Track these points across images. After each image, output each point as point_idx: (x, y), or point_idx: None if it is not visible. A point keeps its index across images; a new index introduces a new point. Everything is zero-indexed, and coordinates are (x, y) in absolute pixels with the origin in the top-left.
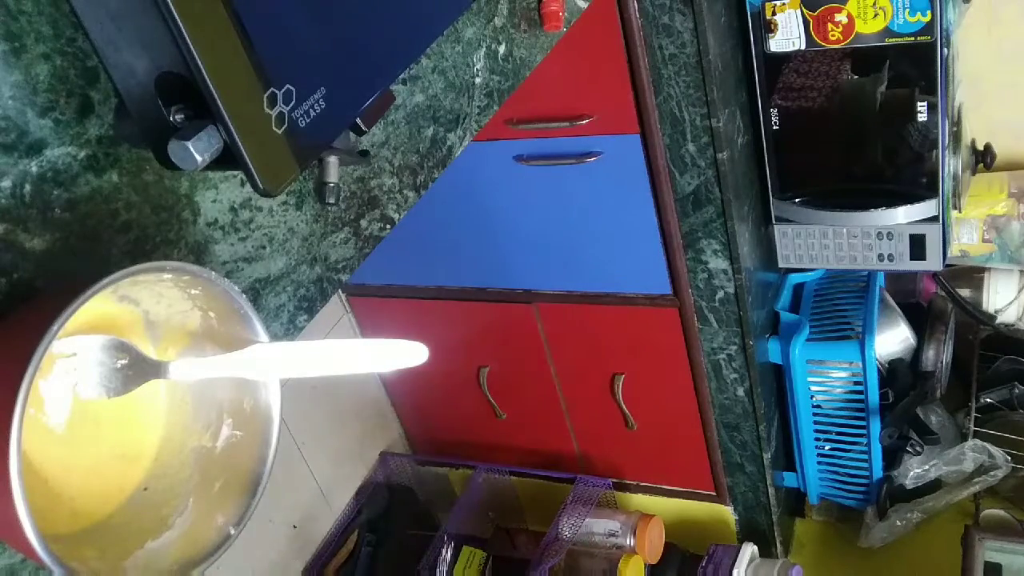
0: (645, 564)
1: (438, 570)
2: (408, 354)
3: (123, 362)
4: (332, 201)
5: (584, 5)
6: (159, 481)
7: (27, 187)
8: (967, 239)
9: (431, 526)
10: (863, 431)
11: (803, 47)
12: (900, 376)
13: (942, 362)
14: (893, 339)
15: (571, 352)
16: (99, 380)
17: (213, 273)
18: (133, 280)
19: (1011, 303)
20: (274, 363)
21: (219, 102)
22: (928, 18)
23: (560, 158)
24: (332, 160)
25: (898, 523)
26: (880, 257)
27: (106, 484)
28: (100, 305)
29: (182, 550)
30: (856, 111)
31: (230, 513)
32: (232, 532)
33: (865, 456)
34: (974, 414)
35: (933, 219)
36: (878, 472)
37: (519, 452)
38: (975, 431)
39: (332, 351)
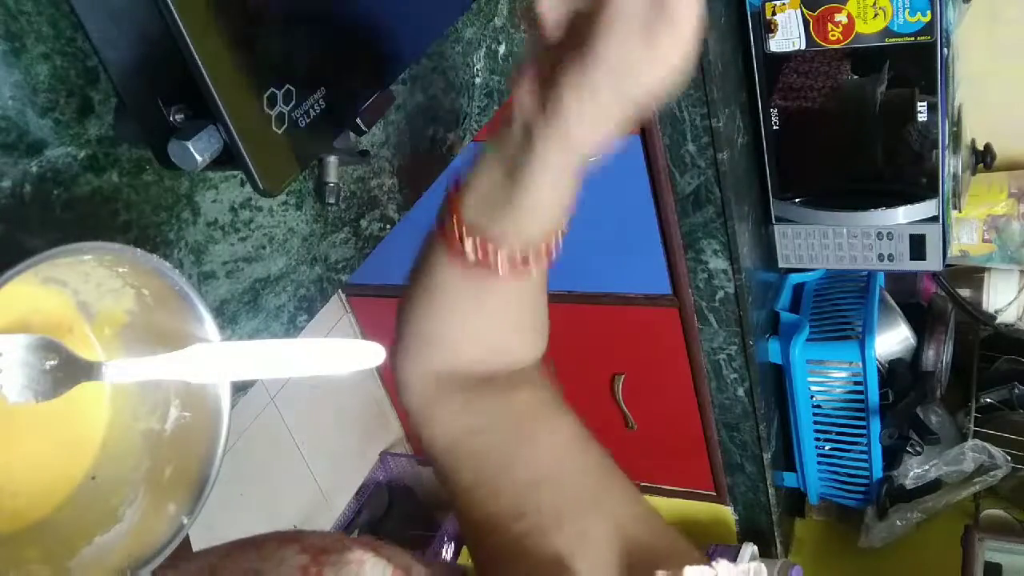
0: None
1: None
2: (364, 355)
3: (52, 363)
4: (332, 201)
5: None
6: (107, 469)
7: (27, 187)
8: (967, 239)
9: (431, 526)
10: (863, 431)
11: (803, 47)
12: (900, 376)
13: (942, 362)
14: (893, 339)
15: (571, 352)
16: (26, 383)
17: (138, 251)
18: (52, 263)
19: (1011, 303)
20: (218, 365)
21: (219, 102)
22: (928, 18)
23: None
24: (332, 160)
25: (898, 523)
26: (880, 257)
27: (51, 476)
28: (24, 290)
29: (133, 544)
30: (856, 111)
31: (183, 501)
32: (185, 522)
33: (865, 456)
34: (974, 414)
35: (933, 219)
36: (878, 472)
37: None
38: (975, 431)
39: (282, 351)
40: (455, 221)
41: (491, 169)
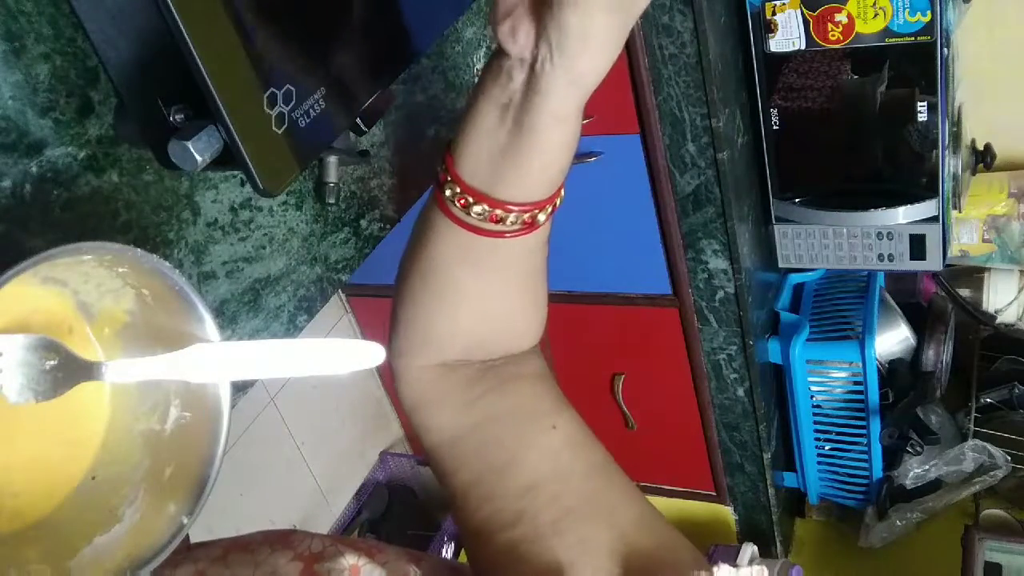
0: None
1: None
2: (364, 355)
3: (52, 363)
4: (332, 201)
5: None
6: (107, 468)
7: (27, 187)
8: (967, 239)
9: (431, 526)
10: (863, 431)
11: (803, 47)
12: (900, 376)
13: (942, 362)
14: (893, 339)
15: (571, 352)
16: (26, 383)
17: (138, 251)
18: (52, 263)
19: (1011, 303)
20: (218, 365)
21: (219, 102)
22: (928, 18)
23: None
24: (332, 160)
25: (898, 523)
26: (880, 257)
27: (51, 476)
28: (24, 290)
29: (132, 544)
30: (856, 111)
31: (182, 501)
32: (185, 522)
33: (865, 456)
34: (974, 414)
35: (933, 219)
36: (878, 472)
37: None
38: (975, 431)
39: (282, 351)
40: (458, 188)
41: (487, 123)
